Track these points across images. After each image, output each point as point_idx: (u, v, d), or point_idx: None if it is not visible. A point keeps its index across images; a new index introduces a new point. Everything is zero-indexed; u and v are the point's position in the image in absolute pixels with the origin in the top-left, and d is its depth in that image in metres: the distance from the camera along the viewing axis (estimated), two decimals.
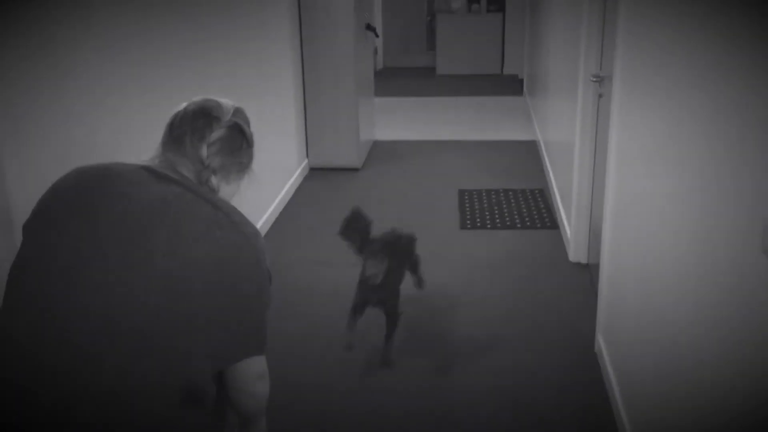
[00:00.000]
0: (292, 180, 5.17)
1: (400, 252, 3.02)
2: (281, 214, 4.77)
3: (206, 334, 1.30)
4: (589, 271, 3.81)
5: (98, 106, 2.44)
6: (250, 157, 1.54)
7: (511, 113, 7.69)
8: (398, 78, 9.99)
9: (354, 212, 2.97)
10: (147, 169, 1.39)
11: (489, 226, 4.49)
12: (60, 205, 1.34)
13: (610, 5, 3.27)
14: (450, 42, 10.16)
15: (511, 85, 9.31)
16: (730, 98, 1.52)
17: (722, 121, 1.57)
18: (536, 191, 5.11)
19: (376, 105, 8.14)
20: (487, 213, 4.71)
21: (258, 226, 4.33)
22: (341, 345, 2.93)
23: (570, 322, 3.30)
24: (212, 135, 1.44)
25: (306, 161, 5.64)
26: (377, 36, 6.36)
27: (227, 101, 1.50)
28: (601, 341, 2.95)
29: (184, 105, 1.49)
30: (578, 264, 3.92)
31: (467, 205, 4.87)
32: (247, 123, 1.53)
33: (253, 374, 1.44)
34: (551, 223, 4.52)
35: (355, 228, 2.94)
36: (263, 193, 4.44)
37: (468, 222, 4.56)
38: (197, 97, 1.51)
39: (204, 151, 1.43)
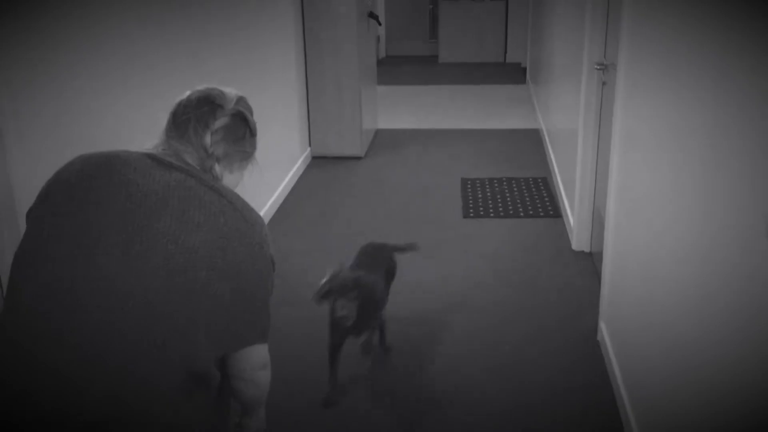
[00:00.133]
0: (294, 169, 5.17)
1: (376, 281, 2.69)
2: (284, 202, 4.77)
3: (209, 320, 1.31)
4: (592, 259, 3.81)
5: (102, 94, 2.44)
6: (254, 147, 1.55)
7: (514, 102, 7.67)
8: (401, 66, 9.96)
9: (337, 276, 2.48)
10: (151, 157, 1.39)
11: (492, 214, 4.49)
12: (64, 191, 1.35)
13: None
14: (452, 30, 10.13)
15: (513, 74, 9.28)
16: (737, 87, 1.52)
17: (727, 109, 1.56)
18: (539, 180, 5.10)
19: (379, 93, 8.12)
20: (489, 201, 4.70)
21: (261, 214, 4.33)
22: (320, 399, 2.67)
23: (573, 310, 3.30)
24: (216, 123, 1.44)
25: (308, 150, 5.64)
26: (380, 24, 6.34)
27: (231, 90, 1.51)
28: (603, 329, 2.95)
29: (187, 93, 1.49)
30: (581, 252, 3.92)
31: (470, 193, 4.86)
32: (251, 112, 1.53)
33: (256, 363, 1.45)
34: (554, 211, 4.51)
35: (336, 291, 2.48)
36: (266, 181, 4.44)
37: (471, 211, 4.55)
38: (201, 86, 1.51)
39: (208, 139, 1.43)
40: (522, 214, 4.49)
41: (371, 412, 2.64)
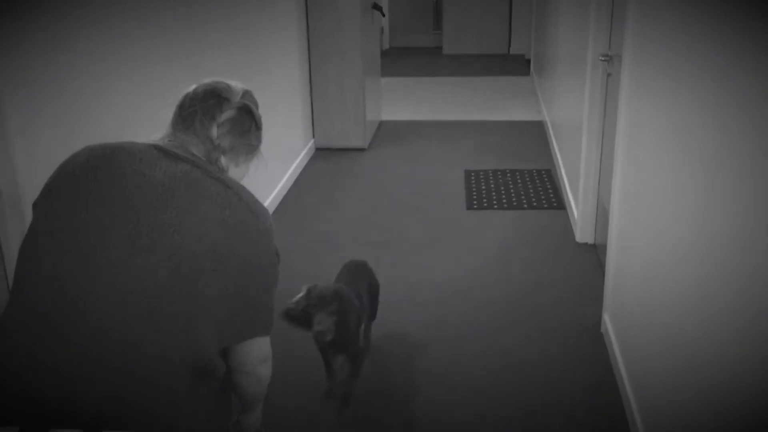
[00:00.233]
0: (298, 160, 5.16)
1: (356, 290, 2.59)
2: (287, 194, 4.77)
3: (213, 312, 1.31)
4: (596, 251, 3.80)
5: (104, 90, 2.44)
6: (259, 140, 1.56)
7: (518, 93, 7.65)
8: (405, 58, 9.93)
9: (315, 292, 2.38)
10: (157, 148, 1.39)
11: (495, 206, 4.48)
12: (70, 182, 1.35)
13: None
14: (456, 22, 10.09)
15: (517, 65, 9.25)
16: (741, 77, 1.51)
17: (731, 102, 1.56)
18: (543, 172, 5.09)
19: (383, 85, 8.11)
20: (493, 193, 4.70)
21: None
22: (321, 393, 2.66)
23: (576, 302, 3.30)
24: (222, 115, 1.44)
25: (312, 141, 5.63)
26: (383, 15, 6.32)
27: (237, 83, 1.52)
28: (607, 321, 2.95)
29: (193, 86, 1.49)
30: (585, 244, 3.91)
31: (473, 185, 4.86)
32: (256, 106, 1.55)
33: (258, 356, 1.44)
34: (558, 203, 4.50)
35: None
36: (269, 173, 4.43)
37: (474, 202, 4.55)
38: (207, 79, 1.51)
39: (214, 131, 1.44)
40: (526, 206, 4.48)
41: (371, 409, 2.64)
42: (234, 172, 1.50)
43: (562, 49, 5.16)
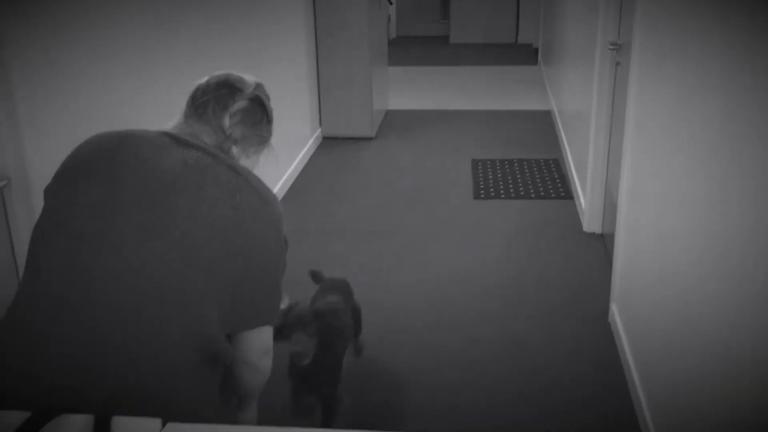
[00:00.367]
0: (305, 149, 5.16)
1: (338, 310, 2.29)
2: (294, 183, 4.77)
3: (222, 298, 1.31)
4: (604, 241, 3.80)
5: (117, 76, 2.44)
6: (270, 133, 1.58)
7: (526, 83, 7.62)
8: (412, 47, 9.90)
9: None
10: (168, 135, 1.40)
11: (503, 196, 4.47)
12: (81, 169, 1.35)
13: None
14: (464, 10, 10.04)
15: (525, 55, 9.21)
16: (753, 67, 1.50)
17: (743, 90, 1.55)
18: (550, 161, 5.08)
19: (390, 74, 8.08)
20: (500, 183, 4.69)
21: None
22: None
23: (583, 292, 3.30)
24: (235, 105, 1.46)
25: (319, 130, 5.63)
26: (390, 4, 6.29)
27: (249, 76, 1.54)
28: (615, 311, 2.95)
29: (206, 78, 1.52)
30: (592, 234, 3.90)
31: (481, 174, 4.85)
32: (268, 99, 1.56)
33: (260, 347, 1.44)
34: (565, 193, 4.49)
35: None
36: (276, 162, 4.43)
37: (481, 192, 4.54)
38: (219, 71, 1.53)
39: (226, 121, 1.45)
40: (533, 195, 4.47)
41: (376, 396, 2.65)
42: (244, 163, 1.51)
43: (570, 37, 5.13)
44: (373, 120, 5.69)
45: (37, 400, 1.18)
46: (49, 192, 1.38)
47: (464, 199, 4.44)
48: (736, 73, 1.60)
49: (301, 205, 4.39)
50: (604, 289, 3.30)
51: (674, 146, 2.11)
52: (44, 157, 2.07)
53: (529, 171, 4.90)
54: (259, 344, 1.44)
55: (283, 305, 2.04)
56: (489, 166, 5.02)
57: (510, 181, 4.71)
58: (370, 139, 5.69)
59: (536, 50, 9.26)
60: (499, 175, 4.83)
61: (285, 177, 4.62)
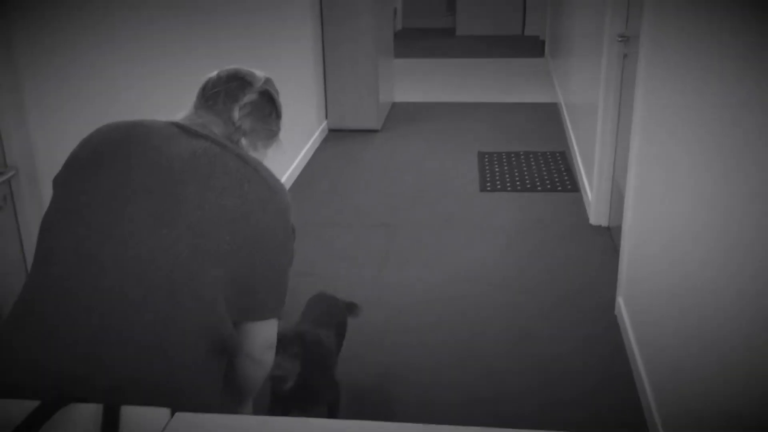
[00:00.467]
0: (311, 142, 5.16)
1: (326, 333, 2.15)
2: (300, 175, 4.77)
3: (230, 288, 1.31)
4: (610, 234, 3.79)
5: (125, 67, 2.44)
6: (278, 128, 1.60)
7: (532, 75, 7.60)
8: (418, 39, 9.88)
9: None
10: (177, 125, 1.41)
11: (509, 188, 4.46)
12: (90, 158, 1.36)
13: None
14: (470, 2, 10.01)
15: (532, 47, 9.18)
16: (764, 58, 1.49)
17: (754, 83, 1.54)
18: (557, 154, 5.07)
19: (396, 66, 8.07)
20: (507, 175, 4.68)
21: None
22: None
23: (590, 285, 3.29)
24: (245, 98, 1.48)
25: (325, 123, 5.62)
26: None
27: (259, 71, 1.56)
28: (621, 304, 2.94)
29: (216, 72, 1.54)
30: (599, 227, 3.89)
31: (487, 167, 4.84)
32: (277, 94, 1.58)
33: (266, 340, 1.44)
34: (572, 185, 4.48)
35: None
36: (283, 154, 4.43)
37: (488, 184, 4.53)
38: (229, 66, 1.56)
39: (236, 113, 1.47)
40: (539, 188, 4.46)
41: (383, 385, 2.65)
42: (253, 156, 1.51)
43: (577, 29, 5.11)
44: (379, 112, 5.68)
45: (46, 389, 1.19)
46: (57, 182, 1.39)
47: (470, 191, 4.44)
48: (746, 64, 1.59)
49: (306, 197, 4.39)
50: (611, 282, 3.29)
51: (683, 138, 2.10)
52: (52, 148, 2.07)
53: (535, 163, 4.89)
54: (264, 338, 1.44)
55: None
56: (495, 158, 5.01)
57: (516, 174, 4.70)
58: (376, 131, 5.68)
59: (543, 42, 9.23)
60: (506, 168, 4.82)
61: (291, 169, 4.62)
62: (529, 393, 2.58)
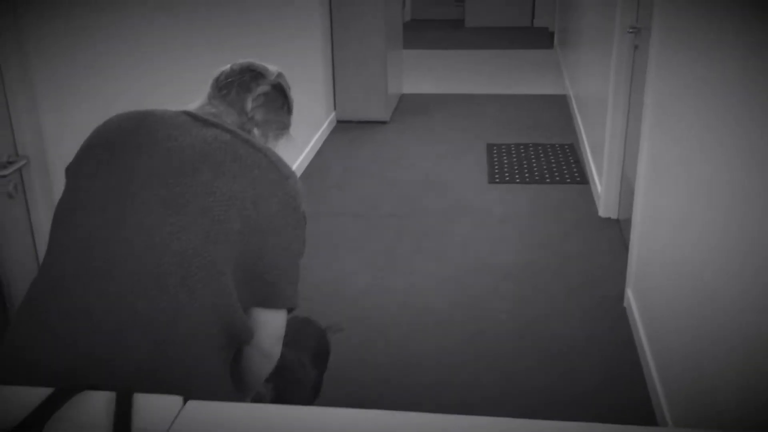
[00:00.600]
0: (319, 133, 5.15)
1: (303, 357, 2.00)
2: (308, 166, 4.77)
3: (241, 272, 1.31)
4: (619, 226, 3.78)
5: (135, 58, 2.44)
6: (289, 122, 1.61)
7: (541, 67, 7.56)
8: (426, 30, 9.84)
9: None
10: (188, 114, 1.42)
11: (518, 180, 4.45)
12: (103, 147, 1.37)
13: None
14: None
15: (541, 38, 9.14)
16: None
17: (766, 72, 1.53)
18: (566, 146, 5.05)
19: (404, 58, 8.05)
20: (515, 167, 4.67)
21: None
22: None
23: (599, 277, 3.29)
24: (258, 89, 1.50)
25: (333, 114, 5.62)
26: None
27: (272, 66, 1.58)
28: (630, 296, 2.94)
29: (229, 64, 1.55)
30: (608, 219, 3.88)
31: (496, 159, 4.83)
32: (289, 88, 1.60)
33: (275, 333, 1.43)
34: (581, 178, 4.47)
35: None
36: (292, 148, 4.43)
37: (496, 176, 4.52)
38: (242, 59, 1.57)
39: (249, 104, 1.49)
40: (548, 180, 4.45)
41: (390, 375, 2.65)
42: None
43: (587, 20, 5.09)
44: (388, 104, 5.67)
45: (59, 376, 1.20)
46: (70, 170, 1.39)
47: (479, 183, 4.43)
48: (758, 56, 1.58)
49: (315, 188, 4.39)
50: (620, 274, 3.28)
51: (694, 131, 2.09)
52: (62, 138, 2.08)
53: (544, 155, 4.88)
54: (275, 328, 1.43)
55: None
56: (504, 150, 4.99)
57: (525, 166, 4.69)
58: (384, 122, 5.68)
59: (552, 34, 9.19)
60: (514, 160, 4.80)
61: (299, 160, 4.62)
62: (538, 385, 2.58)
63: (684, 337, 2.11)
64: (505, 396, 2.53)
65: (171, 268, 1.25)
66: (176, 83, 2.77)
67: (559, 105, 6.10)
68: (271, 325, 1.42)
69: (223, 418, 1.01)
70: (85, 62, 2.18)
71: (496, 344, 2.82)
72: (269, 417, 1.01)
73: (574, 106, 5.65)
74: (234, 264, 1.30)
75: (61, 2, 2.05)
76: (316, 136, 5.07)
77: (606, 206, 3.89)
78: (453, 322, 2.97)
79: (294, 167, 4.49)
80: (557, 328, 2.91)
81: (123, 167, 1.32)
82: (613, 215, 3.89)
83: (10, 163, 1.91)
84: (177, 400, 1.05)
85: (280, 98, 1.56)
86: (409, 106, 6.14)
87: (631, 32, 3.35)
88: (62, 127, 2.08)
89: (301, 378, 1.96)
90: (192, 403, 1.05)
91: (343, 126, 5.61)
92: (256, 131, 1.51)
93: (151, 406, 1.04)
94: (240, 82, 1.50)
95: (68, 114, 2.10)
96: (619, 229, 3.75)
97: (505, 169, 4.63)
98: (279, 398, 1.84)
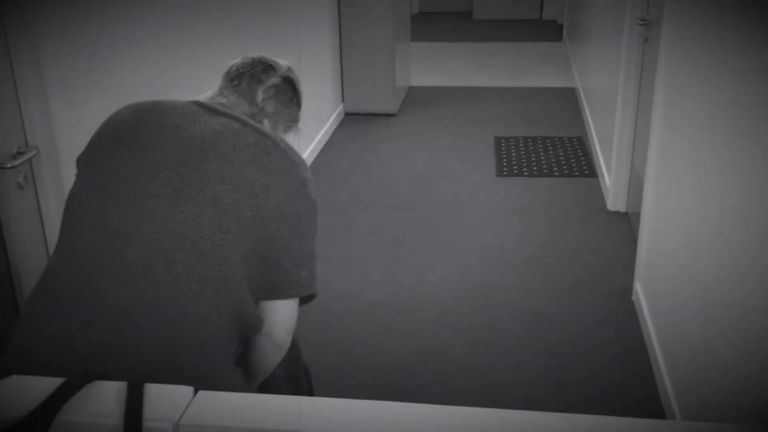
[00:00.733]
0: (327, 125, 5.15)
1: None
2: (316, 159, 4.77)
3: (252, 260, 1.32)
4: (628, 219, 3.77)
5: (144, 50, 2.44)
6: (298, 116, 1.64)
7: (550, 59, 7.53)
8: (434, 23, 9.81)
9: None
10: (197, 103, 1.43)
11: (526, 173, 4.44)
12: (113, 137, 1.37)
13: None
14: None
15: (550, 31, 9.10)
16: None
17: None
18: (574, 139, 5.03)
19: (412, 50, 8.03)
20: (524, 160, 4.66)
21: None
22: None
23: (607, 270, 3.28)
24: (269, 80, 1.52)
25: (341, 106, 5.61)
26: None
27: (282, 60, 1.60)
28: (639, 290, 2.93)
29: (240, 58, 1.57)
30: (617, 212, 3.87)
31: (504, 152, 4.82)
32: (298, 83, 1.62)
33: (289, 319, 1.42)
34: (589, 171, 4.46)
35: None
36: (301, 142, 4.43)
37: (504, 169, 4.51)
38: (253, 53, 1.59)
39: (260, 95, 1.51)
40: (556, 173, 4.44)
41: (398, 366, 2.66)
42: None
43: (597, 13, 5.06)
44: (396, 96, 5.66)
45: (70, 364, 1.20)
46: (81, 161, 1.40)
47: (487, 176, 4.42)
48: None
49: (322, 181, 4.39)
50: (628, 268, 3.28)
51: (704, 124, 2.08)
52: (72, 128, 2.08)
53: (552, 148, 4.86)
54: (288, 318, 1.42)
55: None
56: (512, 143, 4.98)
57: (533, 159, 4.68)
58: (392, 115, 5.67)
59: (561, 26, 9.15)
60: (523, 153, 4.79)
61: (306, 153, 4.62)
62: (546, 378, 2.58)
63: (693, 331, 2.11)
64: (513, 388, 2.53)
65: (182, 257, 1.25)
66: (186, 75, 2.77)
67: (568, 98, 6.08)
68: (284, 314, 1.42)
69: (234, 409, 1.01)
70: (95, 53, 2.18)
71: (503, 336, 2.82)
72: (280, 408, 1.01)
73: (583, 98, 5.63)
74: (245, 252, 1.30)
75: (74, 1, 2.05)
76: (324, 129, 5.07)
77: (615, 199, 3.88)
78: (461, 314, 2.97)
79: None
80: (565, 321, 2.90)
81: (134, 156, 1.33)
82: (622, 208, 3.88)
83: (20, 153, 1.92)
84: (188, 390, 1.05)
85: (290, 91, 1.58)
86: (417, 99, 6.13)
87: (641, 24, 3.33)
88: (72, 117, 2.08)
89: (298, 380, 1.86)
90: (203, 394, 1.05)
91: (351, 118, 5.61)
92: (266, 122, 1.52)
93: (162, 396, 1.04)
94: (251, 73, 1.52)
95: (78, 105, 2.11)
96: (627, 223, 3.74)
97: (513, 162, 4.62)
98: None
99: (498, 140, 5.04)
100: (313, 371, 2.59)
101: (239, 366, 1.41)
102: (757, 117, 1.64)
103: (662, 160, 2.64)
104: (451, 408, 0.99)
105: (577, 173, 4.43)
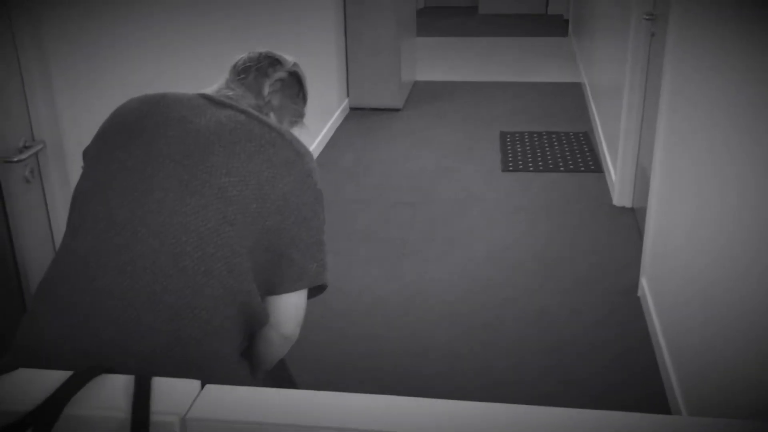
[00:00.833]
0: (332, 120, 5.15)
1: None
2: (321, 154, 4.77)
3: (259, 252, 1.32)
4: (634, 215, 3.76)
5: (149, 45, 2.44)
6: (304, 111, 1.64)
7: (555, 54, 7.51)
8: (440, 17, 9.79)
9: None
10: (203, 96, 1.43)
11: (531, 168, 4.44)
12: (120, 130, 1.38)
13: None
14: None
15: (555, 26, 9.07)
16: None
17: None
18: (580, 134, 5.02)
19: (418, 45, 8.01)
20: (529, 155, 4.65)
21: None
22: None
23: (613, 266, 3.28)
24: (275, 74, 1.53)
25: (346, 101, 5.61)
26: None
27: (288, 56, 1.61)
28: (644, 285, 2.93)
29: (247, 52, 1.57)
30: (622, 208, 3.86)
31: (509, 147, 4.81)
32: (304, 78, 1.62)
33: (297, 315, 1.42)
34: (595, 166, 4.45)
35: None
36: (306, 136, 4.43)
37: (510, 164, 4.51)
38: (259, 49, 1.61)
39: (266, 88, 1.51)
40: (562, 168, 4.43)
41: (402, 361, 2.66)
42: None
43: (603, 7, 5.04)
44: (401, 91, 5.65)
45: (77, 357, 1.21)
46: (88, 154, 1.40)
47: (492, 171, 4.41)
48: None
49: (327, 175, 4.39)
50: (634, 263, 3.27)
51: (711, 119, 2.07)
52: (78, 122, 2.08)
53: (558, 144, 4.85)
54: (296, 310, 1.42)
55: None
56: (518, 138, 4.97)
57: (539, 154, 4.67)
58: (397, 110, 5.66)
59: (567, 21, 9.12)
60: (528, 148, 4.78)
61: (312, 147, 4.62)
62: (551, 374, 2.58)
63: (698, 326, 2.10)
64: (518, 384, 2.53)
65: (189, 249, 1.25)
66: (191, 70, 2.77)
67: (574, 93, 6.06)
68: (293, 306, 1.41)
69: (241, 403, 1.01)
70: (100, 47, 2.18)
71: (508, 332, 2.82)
72: (288, 402, 1.01)
73: (589, 94, 5.61)
74: (252, 245, 1.30)
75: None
76: (329, 124, 5.07)
77: (620, 195, 3.87)
78: (465, 310, 2.97)
79: None
80: (571, 317, 2.90)
81: (140, 149, 1.33)
82: (628, 204, 3.87)
83: (27, 147, 1.92)
84: (195, 384, 1.06)
85: (296, 86, 1.59)
86: (423, 94, 6.12)
87: (647, 19, 3.32)
88: (78, 111, 2.08)
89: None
90: (210, 388, 1.05)
91: (356, 113, 5.60)
92: (272, 116, 1.52)
93: (169, 389, 1.05)
94: (258, 67, 1.53)
95: (84, 98, 2.11)
96: (633, 218, 3.74)
97: (519, 158, 4.61)
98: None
99: (503, 135, 5.03)
100: (314, 369, 2.60)
101: (244, 357, 1.41)
102: (765, 113, 1.64)
103: (669, 155, 2.63)
104: (455, 402, 0.99)
105: (582, 168, 4.42)
